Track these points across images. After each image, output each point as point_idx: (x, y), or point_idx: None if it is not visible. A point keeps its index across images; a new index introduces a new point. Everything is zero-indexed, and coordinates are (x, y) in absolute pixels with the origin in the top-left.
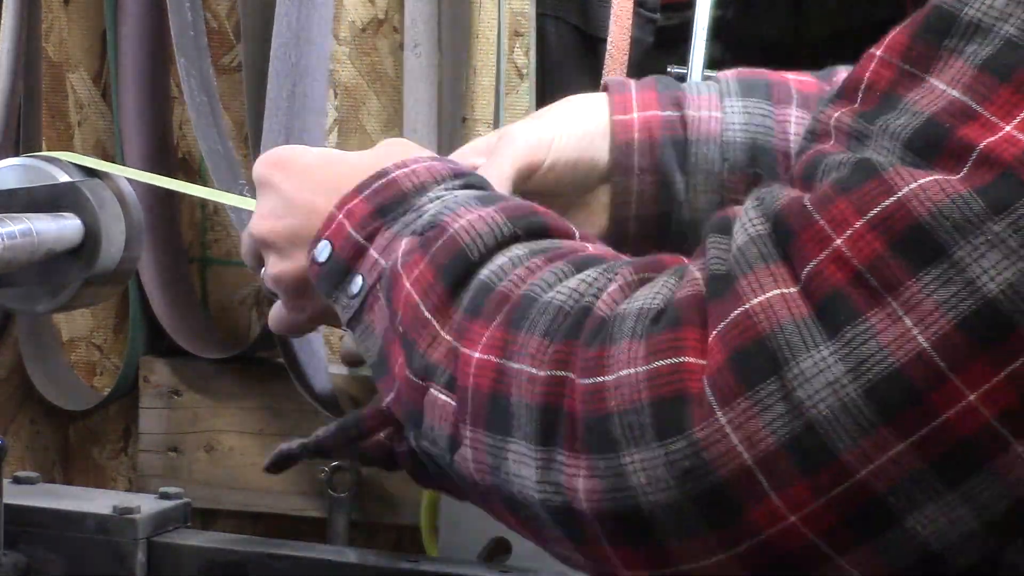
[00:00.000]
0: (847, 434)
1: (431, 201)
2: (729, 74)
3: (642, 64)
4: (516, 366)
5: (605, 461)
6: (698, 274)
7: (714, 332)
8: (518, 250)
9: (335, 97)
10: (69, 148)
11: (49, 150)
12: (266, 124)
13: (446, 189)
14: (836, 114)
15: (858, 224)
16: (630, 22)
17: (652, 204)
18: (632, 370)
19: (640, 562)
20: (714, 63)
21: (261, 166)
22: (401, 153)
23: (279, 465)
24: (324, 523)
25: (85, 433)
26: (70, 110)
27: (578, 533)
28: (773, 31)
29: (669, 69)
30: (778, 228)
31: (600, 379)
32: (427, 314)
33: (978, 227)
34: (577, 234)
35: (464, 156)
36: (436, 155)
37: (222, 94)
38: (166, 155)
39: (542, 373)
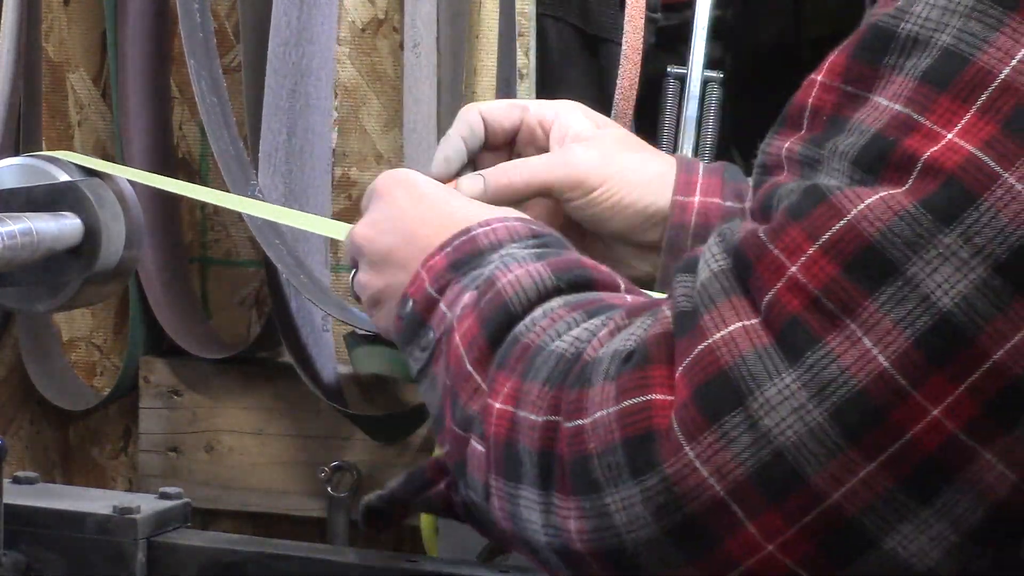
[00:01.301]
0: (815, 459)
1: (500, 258)
2: None
3: (642, 64)
4: (522, 414)
5: (590, 502)
6: (667, 312)
7: (680, 368)
8: (554, 303)
9: (335, 97)
10: (69, 148)
11: (49, 150)
12: (265, 123)
13: (518, 247)
14: (786, 144)
15: (811, 250)
16: (643, 22)
17: None
18: (605, 411)
19: None
20: (714, 63)
21: (388, 178)
22: (496, 209)
23: (369, 521)
24: (324, 523)
25: (85, 433)
26: (70, 110)
27: (581, 573)
28: (773, 31)
29: (669, 69)
30: (737, 262)
31: (580, 422)
32: (469, 367)
33: (928, 241)
34: (623, 286)
35: (508, 109)
36: (525, 216)
37: None
38: (166, 155)
39: (540, 419)
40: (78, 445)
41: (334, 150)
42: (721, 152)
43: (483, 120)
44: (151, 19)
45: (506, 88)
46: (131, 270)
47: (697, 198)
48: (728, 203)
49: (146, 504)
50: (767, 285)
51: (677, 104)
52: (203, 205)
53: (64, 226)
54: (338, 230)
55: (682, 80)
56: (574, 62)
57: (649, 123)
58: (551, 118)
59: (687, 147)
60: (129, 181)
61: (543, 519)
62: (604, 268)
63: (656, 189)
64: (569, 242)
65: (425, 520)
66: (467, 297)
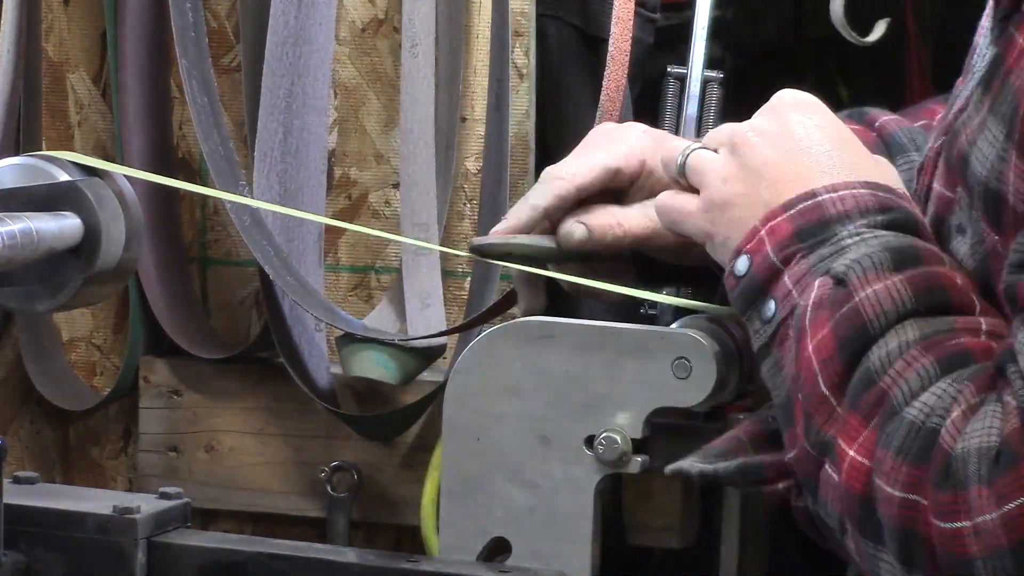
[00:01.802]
0: None
1: (850, 236)
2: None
3: (642, 64)
4: (878, 481)
5: None
6: (1013, 403)
7: None
8: (909, 332)
9: (335, 97)
10: (69, 148)
11: (49, 150)
12: (261, 122)
13: (868, 225)
14: None
15: None
16: (631, 24)
17: None
18: (987, 516)
19: None
20: (714, 63)
21: (789, 97)
22: (848, 165)
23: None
24: (324, 523)
25: (85, 433)
26: (70, 110)
27: None
28: (773, 31)
29: (669, 69)
30: None
31: (958, 524)
32: (824, 390)
33: None
34: (978, 307)
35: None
36: (871, 181)
37: (222, 94)
38: (166, 155)
39: (897, 494)
40: (78, 445)
41: (334, 150)
42: None
43: (575, 191)
44: (151, 19)
45: (498, 88)
46: (131, 270)
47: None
48: None
49: (146, 504)
50: None
51: (677, 104)
52: (203, 205)
53: (64, 226)
54: None
55: (682, 80)
56: (574, 62)
57: (649, 123)
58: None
59: None
60: (129, 180)
61: None
62: (959, 281)
63: None
64: (914, 215)
65: (425, 520)
66: (817, 290)
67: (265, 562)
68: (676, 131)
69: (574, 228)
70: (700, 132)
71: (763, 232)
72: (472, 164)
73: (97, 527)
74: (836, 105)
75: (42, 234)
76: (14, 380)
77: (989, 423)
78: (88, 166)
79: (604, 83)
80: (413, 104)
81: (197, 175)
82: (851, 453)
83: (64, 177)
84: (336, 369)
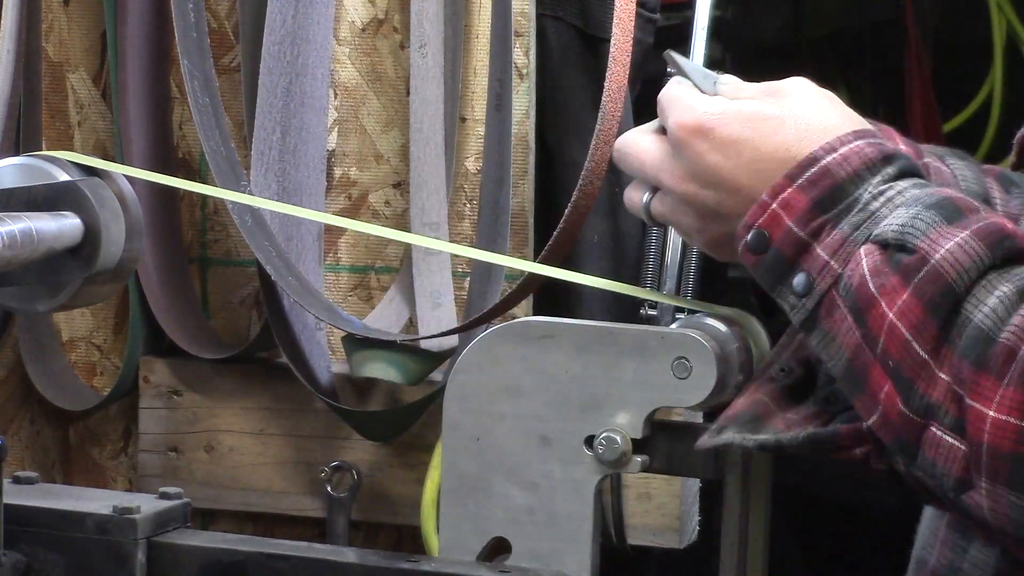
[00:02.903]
0: None
1: (873, 198)
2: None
3: (642, 64)
4: None
5: None
6: None
7: None
8: (1001, 286)
9: (335, 97)
10: (69, 148)
11: (49, 150)
12: (258, 121)
13: (884, 181)
14: None
15: None
16: (632, 25)
17: None
18: None
19: None
20: (714, 63)
21: (680, 130)
22: (818, 125)
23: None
24: (324, 523)
25: (85, 433)
26: (70, 110)
27: None
28: (773, 31)
29: (669, 69)
30: None
31: None
32: (923, 354)
33: None
34: None
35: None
36: (860, 129)
37: (222, 94)
38: (166, 155)
39: None
40: (78, 445)
41: (333, 150)
42: None
43: None
44: (151, 19)
45: (499, 88)
46: (131, 270)
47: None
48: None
49: (146, 504)
50: None
51: None
52: (203, 205)
53: (64, 226)
54: None
55: None
56: (574, 62)
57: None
58: None
59: None
60: (129, 179)
61: None
62: (1010, 225)
63: None
64: (908, 155)
65: (425, 520)
66: (867, 258)
67: (265, 562)
68: None
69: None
70: None
71: (775, 206)
72: (472, 164)
73: (97, 527)
74: None
75: (42, 234)
76: (14, 380)
77: None
78: (88, 166)
79: (606, 83)
80: (423, 104)
81: (197, 175)
82: (991, 413)
83: (64, 177)
84: (337, 368)
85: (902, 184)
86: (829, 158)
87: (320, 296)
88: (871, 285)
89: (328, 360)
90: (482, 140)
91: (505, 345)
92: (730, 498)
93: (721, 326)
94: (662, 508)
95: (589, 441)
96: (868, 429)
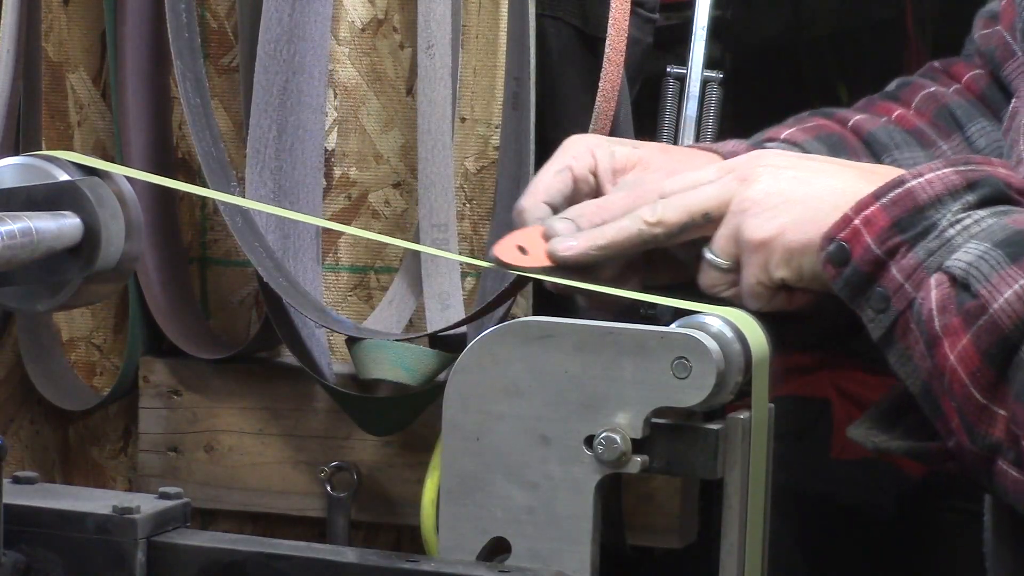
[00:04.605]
0: None
1: (951, 225)
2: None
3: (641, 64)
4: None
5: None
6: None
7: None
8: None
9: (334, 97)
10: (69, 148)
11: (49, 150)
12: (253, 119)
13: (963, 208)
14: None
15: None
16: (627, 25)
17: None
18: None
19: None
20: (714, 63)
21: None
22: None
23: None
24: (324, 523)
25: (85, 433)
26: (70, 110)
27: None
28: (773, 31)
29: (669, 69)
30: None
31: None
32: (980, 398)
33: None
34: None
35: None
36: (952, 158)
37: (223, 94)
38: (166, 155)
39: None
40: (78, 445)
41: (333, 150)
42: None
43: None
44: (151, 19)
45: (516, 87)
46: (131, 269)
47: None
48: None
49: (146, 504)
50: None
51: (677, 104)
52: (203, 205)
53: (64, 225)
54: None
55: (682, 80)
56: (573, 62)
57: (649, 123)
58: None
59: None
60: (129, 179)
61: None
62: None
63: None
64: (998, 176)
65: (425, 520)
66: (936, 289)
67: (265, 562)
68: (676, 131)
69: (565, 224)
70: (699, 132)
71: (857, 221)
72: (472, 164)
73: (97, 527)
74: (836, 105)
75: (42, 234)
76: (14, 380)
77: None
78: (88, 166)
79: (600, 84)
80: (430, 105)
81: (197, 175)
82: None
83: (64, 177)
84: (337, 367)
85: (980, 213)
86: (914, 181)
87: (310, 296)
88: (936, 322)
89: (329, 359)
90: (482, 140)
91: (505, 345)
92: (730, 498)
93: (721, 326)
94: (662, 508)
95: (589, 441)
96: (951, 450)
